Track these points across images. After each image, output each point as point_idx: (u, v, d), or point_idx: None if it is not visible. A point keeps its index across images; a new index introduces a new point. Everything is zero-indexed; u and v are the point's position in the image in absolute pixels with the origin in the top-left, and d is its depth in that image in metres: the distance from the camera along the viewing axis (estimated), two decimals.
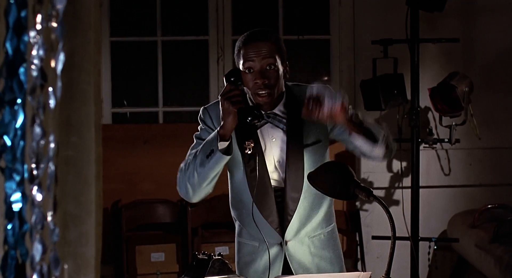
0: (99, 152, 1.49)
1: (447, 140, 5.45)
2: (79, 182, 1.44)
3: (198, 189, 2.93)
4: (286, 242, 3.00)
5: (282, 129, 2.98)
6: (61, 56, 1.25)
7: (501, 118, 5.91)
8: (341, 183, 2.73)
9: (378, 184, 5.86)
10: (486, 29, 5.88)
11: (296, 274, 2.99)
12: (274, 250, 3.01)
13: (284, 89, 2.99)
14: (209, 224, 5.75)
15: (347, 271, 3.19)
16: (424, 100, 5.51)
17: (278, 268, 3.01)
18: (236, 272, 3.08)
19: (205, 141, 2.90)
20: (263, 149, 2.97)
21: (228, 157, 2.87)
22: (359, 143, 2.89)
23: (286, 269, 3.02)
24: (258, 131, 2.99)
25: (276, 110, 2.99)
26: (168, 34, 6.01)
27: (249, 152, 2.92)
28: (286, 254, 3.00)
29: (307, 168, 2.95)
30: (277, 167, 2.99)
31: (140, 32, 6.05)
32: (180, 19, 6.04)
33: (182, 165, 2.96)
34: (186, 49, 6.04)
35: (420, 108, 5.32)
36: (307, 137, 2.98)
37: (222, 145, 2.84)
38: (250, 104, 2.93)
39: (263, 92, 2.89)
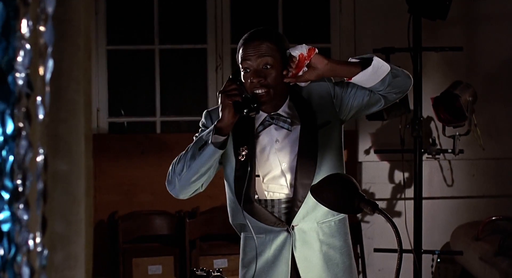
0: (90, 166, 1.39)
1: (450, 150, 5.36)
2: (68, 199, 1.33)
3: (186, 183, 2.83)
4: (293, 227, 2.89)
5: (287, 129, 2.88)
6: (50, 63, 1.14)
7: (505, 128, 5.83)
8: (345, 196, 2.62)
9: (379, 195, 5.77)
10: (489, 37, 5.81)
11: (299, 265, 2.87)
12: (281, 238, 2.89)
13: (287, 89, 2.90)
14: (207, 236, 5.67)
15: None
16: (426, 110, 5.41)
17: (287, 255, 2.89)
18: (240, 272, 2.98)
19: (201, 134, 2.82)
20: (267, 153, 2.88)
21: (221, 151, 2.77)
22: (370, 81, 2.77)
23: (294, 259, 2.90)
24: (260, 135, 2.90)
25: (280, 112, 2.90)
26: (165, 43, 5.95)
27: (242, 159, 2.83)
28: (292, 239, 2.88)
29: (320, 155, 2.87)
30: (284, 170, 2.89)
31: (137, 41, 6.00)
32: (178, 27, 5.99)
33: (174, 160, 2.88)
34: (184, 58, 5.99)
35: (422, 118, 5.23)
36: (320, 134, 2.90)
37: (217, 138, 2.76)
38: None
39: (260, 91, 2.80)
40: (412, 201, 5.30)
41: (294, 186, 2.87)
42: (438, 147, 5.51)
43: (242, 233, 3.01)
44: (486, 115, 5.69)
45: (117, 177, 5.68)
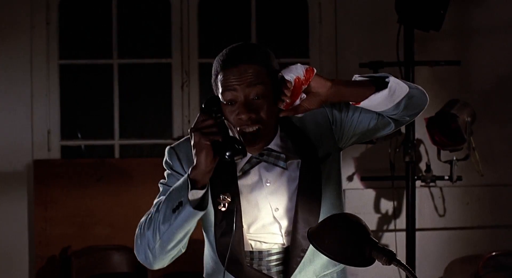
0: None
1: (447, 177, 5.00)
2: None
3: (161, 254, 2.27)
4: None
5: (282, 167, 2.34)
6: None
7: (501, 151, 5.50)
8: (353, 243, 2.09)
9: None
10: (484, 51, 5.51)
11: None
12: None
13: (277, 119, 2.36)
14: (172, 274, 5.29)
15: None
16: (417, 132, 5.05)
17: None
18: None
19: (172, 188, 2.25)
20: (255, 198, 2.36)
21: (202, 213, 2.21)
22: (382, 106, 2.28)
23: None
24: (246, 176, 2.36)
25: (272, 146, 2.35)
26: (125, 57, 5.68)
27: (223, 209, 2.29)
28: None
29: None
30: (277, 217, 2.35)
31: (94, 54, 5.72)
32: (139, 39, 5.76)
33: (142, 219, 2.32)
34: (146, 74, 5.74)
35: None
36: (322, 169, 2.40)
37: (195, 194, 2.19)
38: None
39: (252, 129, 2.25)
40: (400, 233, 5.01)
41: (292, 237, 2.35)
42: (432, 173, 5.13)
43: None
44: (481, 137, 5.35)
45: (71, 207, 5.39)
